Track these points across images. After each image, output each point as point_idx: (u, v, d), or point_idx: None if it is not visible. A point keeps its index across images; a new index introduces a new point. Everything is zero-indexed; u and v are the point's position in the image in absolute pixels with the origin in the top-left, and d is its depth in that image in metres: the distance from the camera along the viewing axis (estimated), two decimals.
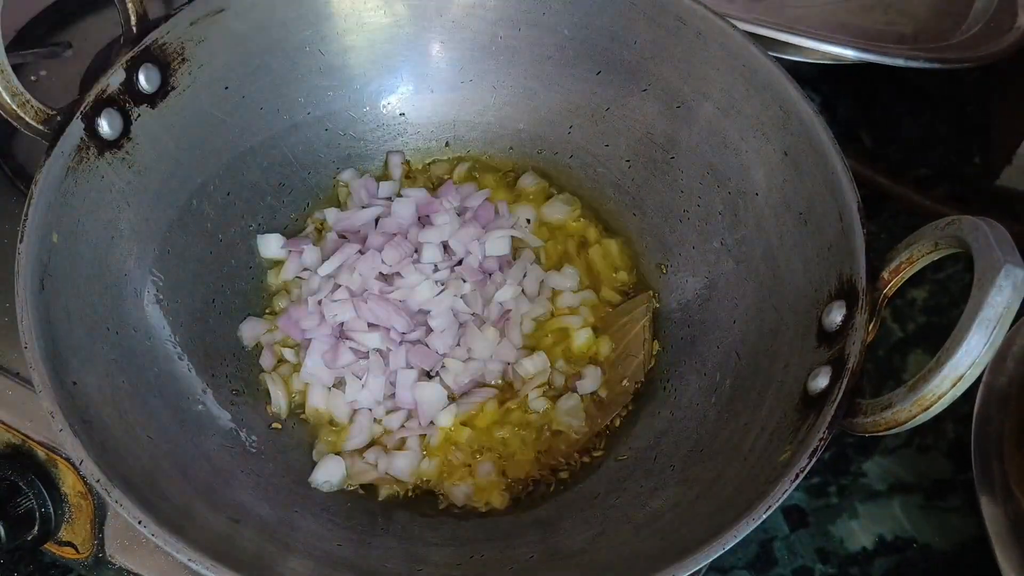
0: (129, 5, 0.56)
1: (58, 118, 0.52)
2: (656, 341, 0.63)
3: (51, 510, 0.56)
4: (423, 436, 0.59)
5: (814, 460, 0.44)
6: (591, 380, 0.61)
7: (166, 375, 0.55)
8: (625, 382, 0.61)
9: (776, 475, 0.44)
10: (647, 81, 0.65)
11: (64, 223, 0.51)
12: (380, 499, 0.58)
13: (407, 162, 0.71)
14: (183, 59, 0.58)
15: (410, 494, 0.58)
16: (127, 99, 0.56)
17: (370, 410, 0.60)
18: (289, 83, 0.65)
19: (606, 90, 0.67)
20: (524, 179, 0.70)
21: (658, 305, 0.64)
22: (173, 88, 0.58)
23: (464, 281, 0.63)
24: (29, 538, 0.55)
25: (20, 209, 0.49)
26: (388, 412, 0.60)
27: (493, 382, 0.61)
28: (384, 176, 0.71)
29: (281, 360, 0.62)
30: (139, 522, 0.41)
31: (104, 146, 0.54)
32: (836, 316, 0.49)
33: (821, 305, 0.51)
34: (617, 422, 0.60)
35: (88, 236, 0.53)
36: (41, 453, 0.56)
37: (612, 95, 0.67)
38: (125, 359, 0.53)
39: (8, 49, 0.51)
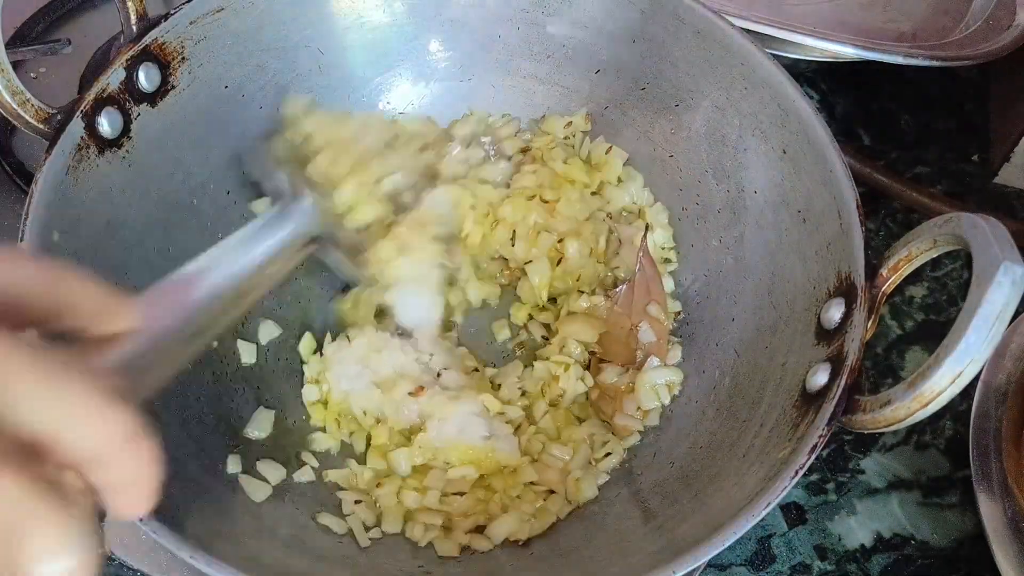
0: (129, 4, 0.56)
1: (58, 117, 0.52)
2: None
3: None
4: None
5: (813, 457, 0.44)
6: None
7: None
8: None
9: (775, 472, 0.45)
10: (645, 80, 0.65)
11: (64, 222, 0.51)
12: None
13: None
14: (183, 58, 0.58)
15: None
16: (127, 98, 0.55)
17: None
18: (289, 82, 0.65)
19: (605, 89, 0.67)
20: None
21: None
22: (173, 87, 0.58)
23: None
24: None
25: (20, 208, 0.49)
26: None
27: None
28: None
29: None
30: (140, 519, 0.42)
31: (104, 145, 0.54)
32: (835, 313, 0.49)
33: (820, 302, 0.51)
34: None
35: (88, 235, 0.53)
36: None
37: (611, 94, 0.67)
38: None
39: (7, 46, 0.51)
